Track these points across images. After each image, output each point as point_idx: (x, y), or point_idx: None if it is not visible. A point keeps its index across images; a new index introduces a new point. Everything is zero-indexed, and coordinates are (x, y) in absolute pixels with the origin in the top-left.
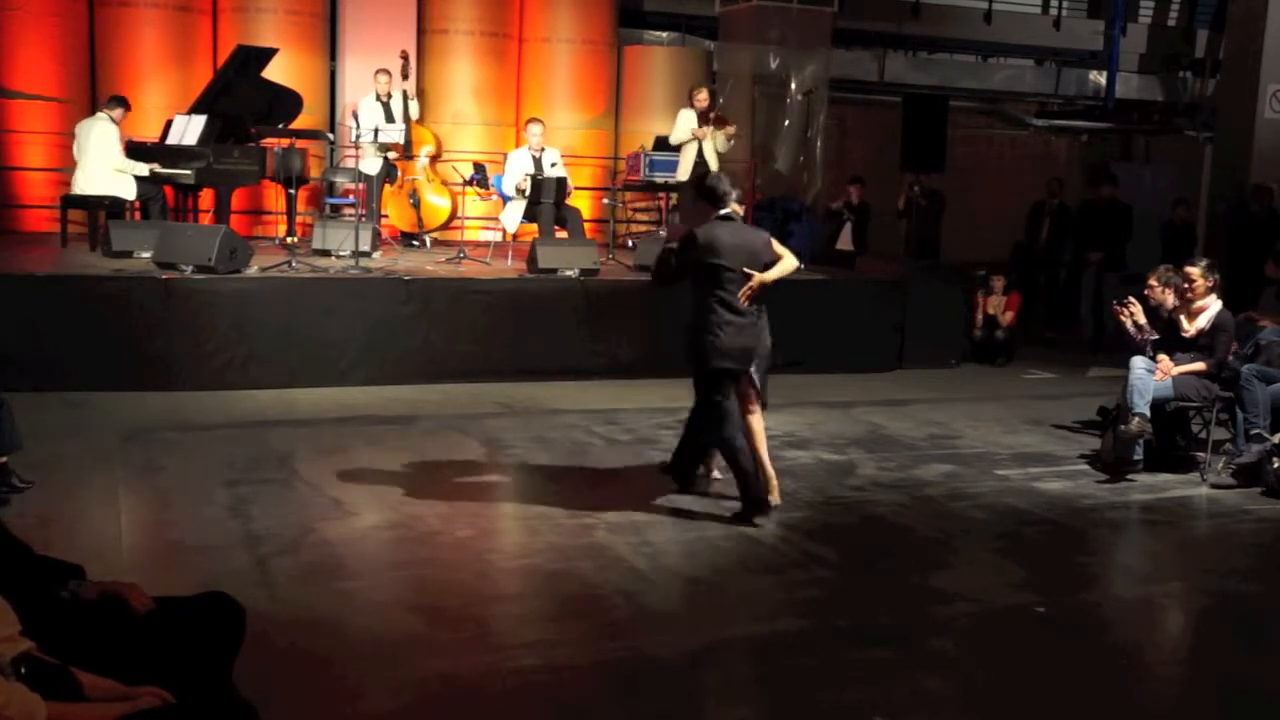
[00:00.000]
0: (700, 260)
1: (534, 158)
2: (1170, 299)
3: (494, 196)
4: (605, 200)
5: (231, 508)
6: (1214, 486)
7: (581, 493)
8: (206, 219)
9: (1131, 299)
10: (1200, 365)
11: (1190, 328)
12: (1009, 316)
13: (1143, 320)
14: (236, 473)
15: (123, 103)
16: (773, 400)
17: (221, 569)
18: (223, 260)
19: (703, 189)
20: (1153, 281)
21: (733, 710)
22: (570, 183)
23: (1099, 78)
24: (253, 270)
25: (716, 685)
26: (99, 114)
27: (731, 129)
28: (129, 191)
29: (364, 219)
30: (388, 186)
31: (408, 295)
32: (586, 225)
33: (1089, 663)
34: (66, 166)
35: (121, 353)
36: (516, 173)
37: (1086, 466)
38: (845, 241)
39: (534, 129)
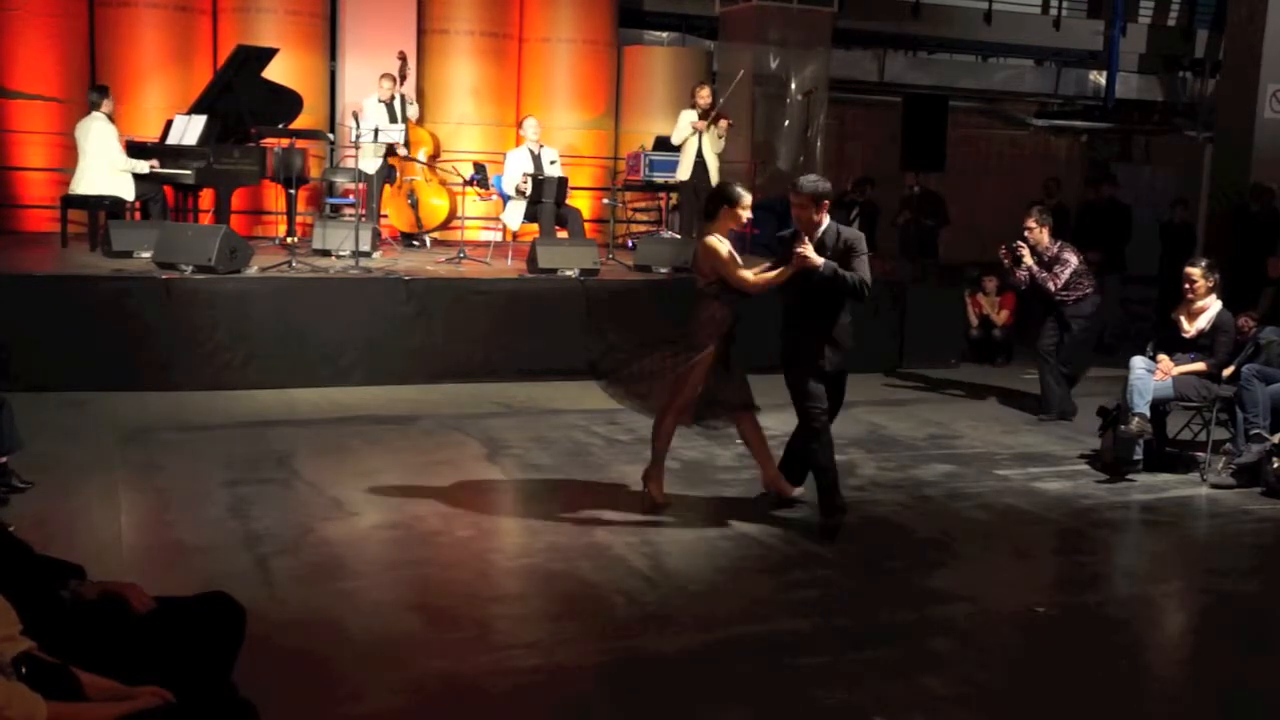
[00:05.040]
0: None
1: (532, 154)
2: (1046, 237)
3: (494, 196)
4: (605, 200)
5: (231, 508)
6: (1214, 486)
7: (581, 493)
8: (206, 219)
9: (1020, 243)
10: (1200, 365)
11: (1190, 328)
12: (1004, 316)
13: (1029, 261)
14: (236, 473)
15: (106, 92)
16: (771, 400)
17: (221, 569)
18: (223, 260)
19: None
20: (1031, 223)
21: (733, 710)
22: (568, 181)
23: (1099, 78)
24: (253, 270)
25: (716, 685)
26: (94, 113)
27: (724, 125)
28: (128, 191)
29: (364, 219)
30: (387, 187)
31: (408, 295)
32: (586, 225)
33: (1089, 663)
34: (66, 166)
35: (121, 353)
36: (516, 172)
37: (1086, 466)
38: None
39: (530, 123)
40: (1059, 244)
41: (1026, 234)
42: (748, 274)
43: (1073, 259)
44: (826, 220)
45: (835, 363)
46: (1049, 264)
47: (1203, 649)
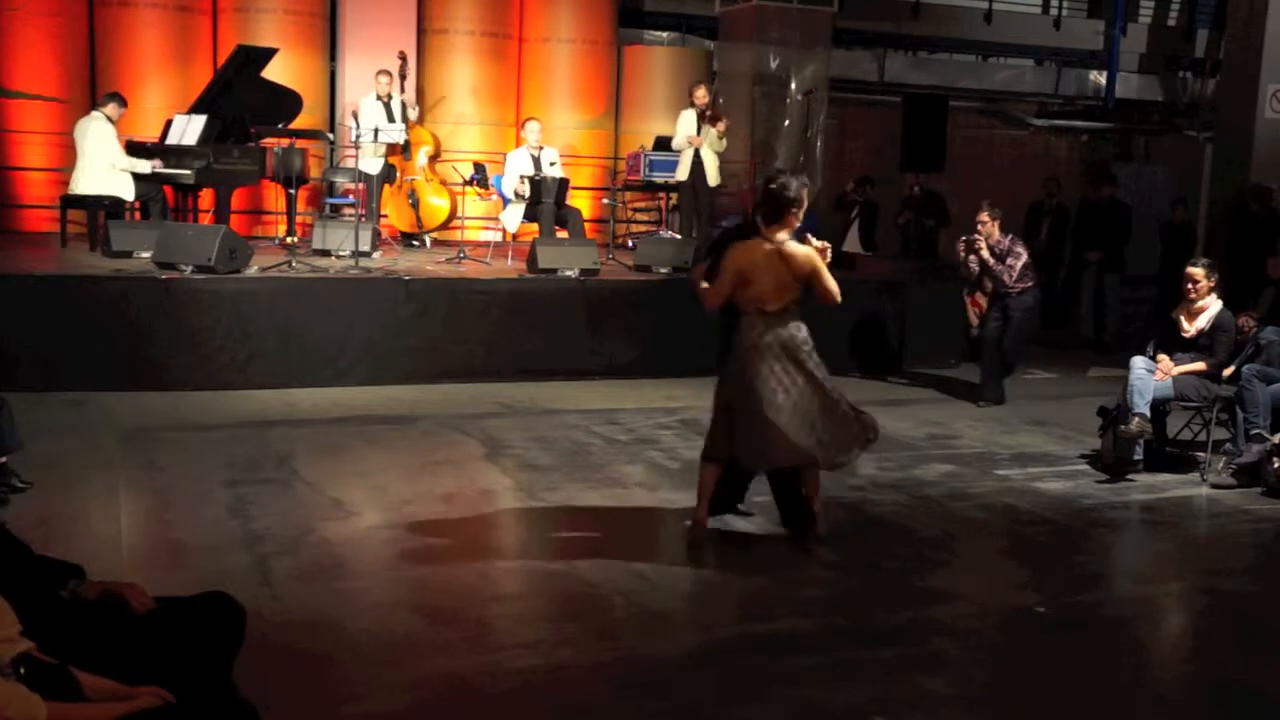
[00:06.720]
0: None
1: (532, 156)
2: (997, 231)
3: (494, 196)
4: (605, 200)
5: (231, 508)
6: (1214, 486)
7: (582, 493)
8: (206, 219)
9: (977, 236)
10: (1200, 365)
11: (1190, 328)
12: None
13: (988, 257)
14: (236, 473)
15: (117, 98)
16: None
17: (221, 569)
18: (223, 260)
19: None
20: (984, 217)
21: (733, 710)
22: (569, 181)
23: (1099, 78)
24: (253, 270)
25: (716, 685)
26: (95, 113)
27: (723, 125)
28: (127, 191)
29: (364, 219)
30: (387, 186)
31: (408, 295)
32: (586, 225)
33: (1089, 663)
34: (66, 166)
35: (121, 353)
36: (515, 174)
37: (1086, 466)
38: (851, 243)
39: (532, 126)
40: (1010, 237)
41: (980, 227)
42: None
43: (1023, 252)
44: None
45: None
46: (1002, 256)
47: (1203, 649)
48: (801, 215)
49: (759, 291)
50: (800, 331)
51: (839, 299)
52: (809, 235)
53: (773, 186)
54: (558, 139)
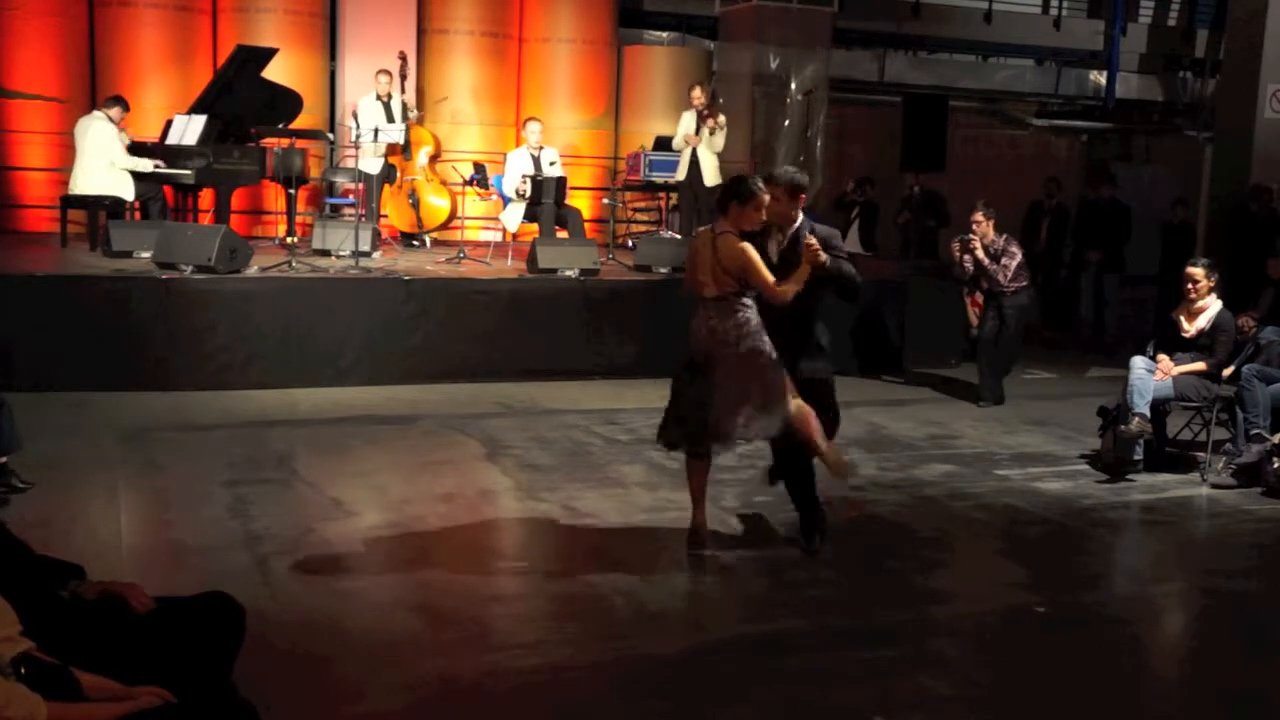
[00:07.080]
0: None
1: (533, 156)
2: (992, 231)
3: (494, 196)
4: (605, 200)
5: (231, 508)
6: (1214, 486)
7: (581, 493)
8: (206, 219)
9: (971, 236)
10: (1200, 365)
11: (1190, 328)
12: None
13: (983, 256)
14: (236, 473)
15: (121, 102)
16: None
17: (221, 569)
18: (223, 260)
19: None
20: (978, 217)
21: (733, 710)
22: (566, 179)
23: (1099, 78)
24: (253, 270)
25: (716, 685)
26: (95, 112)
27: (713, 122)
28: (127, 191)
29: (364, 219)
30: (387, 186)
31: (408, 295)
32: (586, 225)
33: (1089, 663)
34: (66, 166)
35: (121, 353)
36: (515, 173)
37: (1086, 466)
38: (851, 243)
39: (533, 127)
40: (1004, 237)
41: (975, 227)
42: (772, 279)
43: (1018, 252)
44: (801, 216)
45: (814, 370)
46: (996, 256)
47: (1203, 649)
48: (754, 215)
49: (701, 277)
50: (729, 322)
51: (779, 297)
52: (810, 230)
53: (734, 178)
54: (558, 139)
